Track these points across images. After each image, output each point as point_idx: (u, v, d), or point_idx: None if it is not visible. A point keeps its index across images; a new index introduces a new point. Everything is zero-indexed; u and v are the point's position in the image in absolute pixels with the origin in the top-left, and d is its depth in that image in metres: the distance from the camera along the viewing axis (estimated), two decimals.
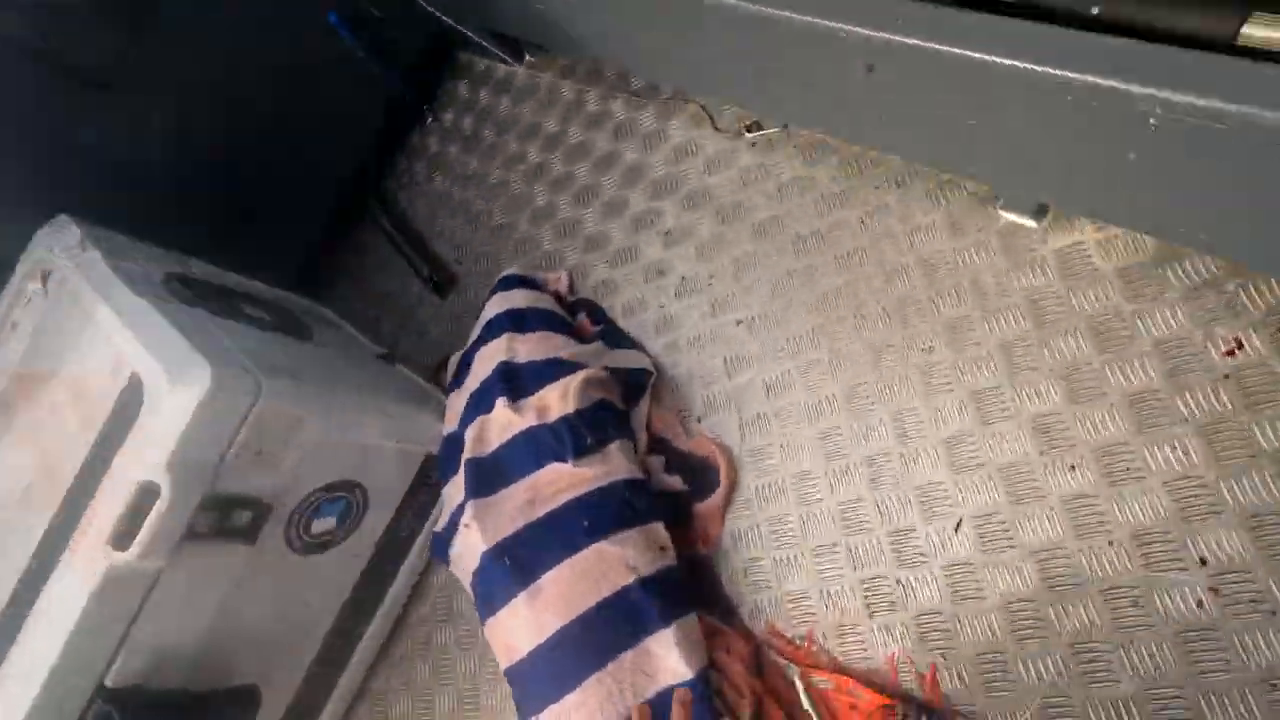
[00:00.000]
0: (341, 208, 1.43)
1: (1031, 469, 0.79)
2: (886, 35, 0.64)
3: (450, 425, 1.00)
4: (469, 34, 1.29)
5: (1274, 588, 0.67)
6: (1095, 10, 0.57)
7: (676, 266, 1.09)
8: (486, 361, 0.96)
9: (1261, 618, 0.67)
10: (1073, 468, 0.78)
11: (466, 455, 0.90)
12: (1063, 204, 0.81)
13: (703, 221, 1.09)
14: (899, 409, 0.88)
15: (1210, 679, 0.67)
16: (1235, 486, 0.71)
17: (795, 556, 0.88)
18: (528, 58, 1.36)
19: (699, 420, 1.00)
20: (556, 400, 0.87)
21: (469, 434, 0.91)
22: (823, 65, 0.75)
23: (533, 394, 0.90)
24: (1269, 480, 0.69)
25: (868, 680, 0.80)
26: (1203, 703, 0.67)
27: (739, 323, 1.01)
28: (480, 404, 0.93)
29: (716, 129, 1.12)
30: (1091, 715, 0.71)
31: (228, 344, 0.83)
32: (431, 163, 1.42)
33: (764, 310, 1.00)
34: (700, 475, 0.94)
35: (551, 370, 0.91)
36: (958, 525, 0.81)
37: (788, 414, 0.94)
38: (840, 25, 0.66)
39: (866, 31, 0.65)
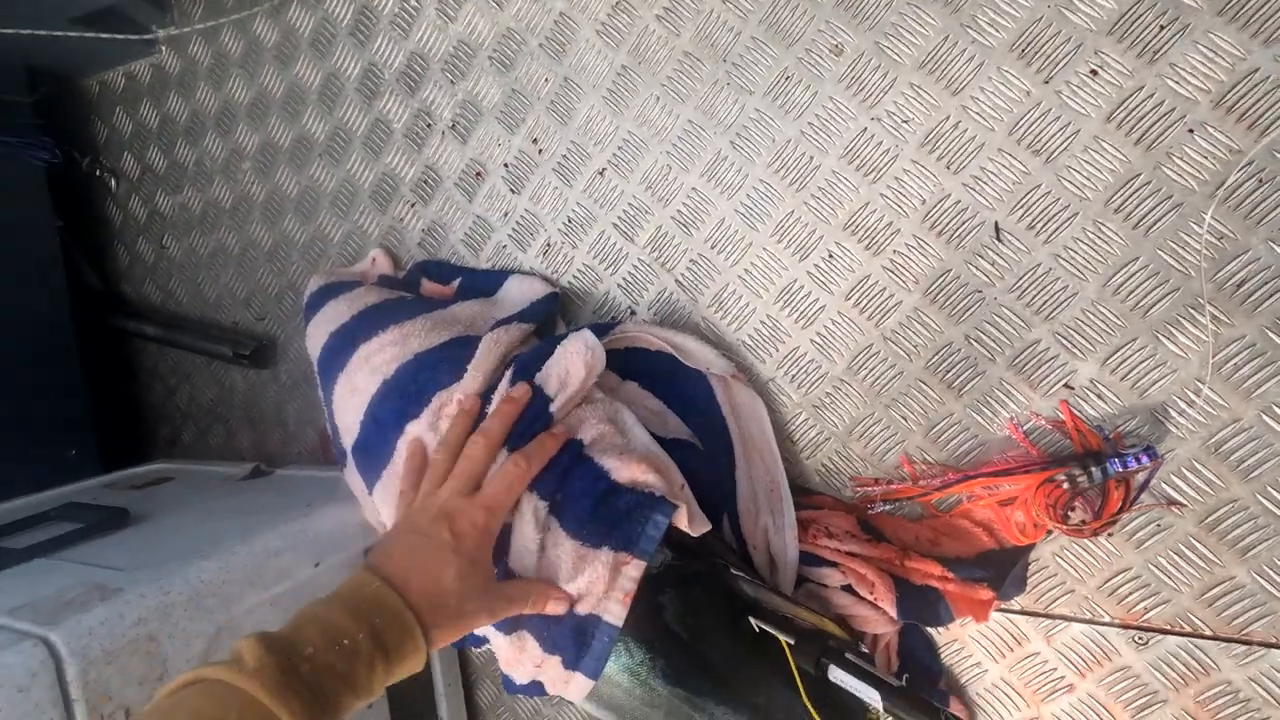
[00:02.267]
0: (94, 352, 1.09)
1: (1044, 107, 0.58)
2: None
3: (367, 509, 0.74)
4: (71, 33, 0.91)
5: None
6: None
7: (492, 156, 0.80)
8: (351, 407, 0.68)
9: None
10: (1094, 71, 0.56)
11: None
12: None
13: (483, 84, 0.79)
14: (845, 146, 0.64)
15: None
16: None
17: (836, 387, 0.68)
18: (159, 33, 0.99)
19: (632, 313, 0.76)
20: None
21: (383, 500, 0.65)
22: None
23: (430, 400, 0.62)
24: None
25: (1000, 469, 0.62)
26: None
27: (601, 172, 0.75)
28: (378, 455, 0.65)
29: None
30: (1279, 336, 0.53)
31: None
32: (147, 228, 1.07)
33: (620, 138, 0.73)
34: (675, 377, 0.70)
35: (443, 363, 0.64)
36: (996, 232, 0.60)
37: (724, 237, 0.70)
38: None
39: None
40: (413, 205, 0.86)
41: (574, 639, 0.55)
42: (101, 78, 1.07)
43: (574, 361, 0.59)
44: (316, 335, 0.75)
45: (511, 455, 0.55)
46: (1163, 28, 0.53)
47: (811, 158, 0.66)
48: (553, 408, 0.58)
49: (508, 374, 0.60)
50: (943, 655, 0.66)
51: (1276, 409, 0.54)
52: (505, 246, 0.81)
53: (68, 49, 0.98)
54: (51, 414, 1.05)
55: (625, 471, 0.55)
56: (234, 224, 1.00)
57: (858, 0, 0.62)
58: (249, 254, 1.00)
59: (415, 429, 0.60)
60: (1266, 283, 0.53)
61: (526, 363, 0.60)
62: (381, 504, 0.65)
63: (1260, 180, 0.52)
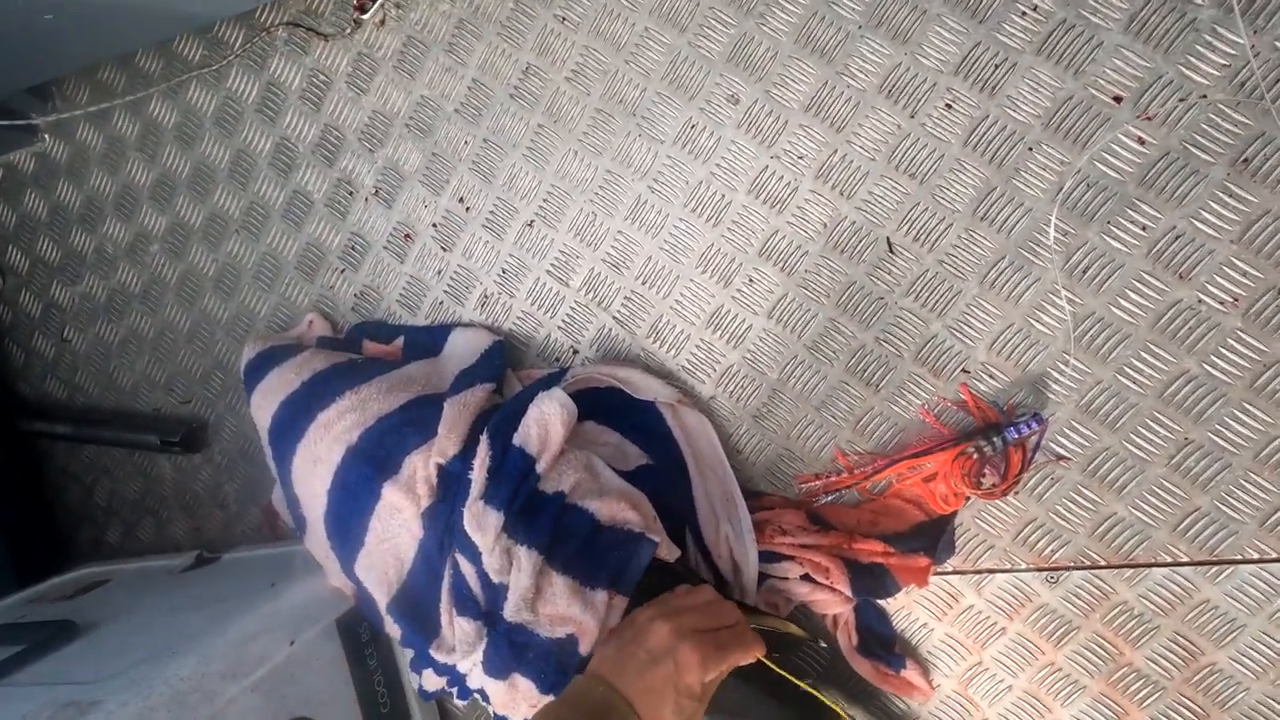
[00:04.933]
0: None
1: (914, 137, 0.67)
2: None
3: (335, 576, 0.75)
4: None
5: (1187, 74, 0.60)
6: None
7: (420, 217, 0.83)
8: (316, 476, 0.68)
9: (1196, 109, 0.60)
10: (948, 105, 0.66)
11: (388, 601, 0.66)
12: None
13: (403, 149, 0.83)
14: (751, 183, 0.72)
15: (1192, 205, 0.62)
16: (1099, 6, 0.62)
17: (770, 396, 0.75)
18: (40, 121, 0.95)
19: (574, 352, 0.80)
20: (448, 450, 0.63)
21: (366, 570, 0.66)
22: None
23: (402, 463, 0.65)
24: None
25: (919, 450, 0.70)
26: (1198, 226, 0.62)
27: (530, 224, 0.80)
28: (354, 521, 0.66)
29: (327, 38, 0.83)
30: (1120, 309, 0.64)
31: None
32: (43, 322, 1.02)
33: (543, 191, 0.78)
34: (626, 409, 0.75)
35: (408, 425, 0.66)
36: (889, 246, 0.70)
37: (653, 273, 0.76)
38: None
39: None
40: (342, 272, 0.87)
41: (570, 676, 0.59)
42: None
43: (553, 422, 0.63)
44: (264, 405, 0.75)
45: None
46: (997, 66, 0.64)
47: (723, 195, 0.73)
48: (539, 467, 0.62)
49: (484, 438, 0.63)
50: (895, 622, 0.74)
51: (1128, 369, 0.65)
52: (442, 302, 0.84)
53: None
54: None
55: (607, 510, 0.60)
56: (146, 308, 0.97)
57: (745, 55, 0.70)
58: (166, 337, 0.97)
59: (391, 493, 0.62)
60: (1104, 267, 0.64)
61: (499, 426, 0.64)
62: (365, 573, 0.66)
63: (1088, 185, 0.64)
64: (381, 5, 0.80)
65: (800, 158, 0.70)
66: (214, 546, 0.95)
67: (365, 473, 0.64)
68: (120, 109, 0.92)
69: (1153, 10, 0.60)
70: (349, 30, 0.82)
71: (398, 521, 0.64)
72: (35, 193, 0.99)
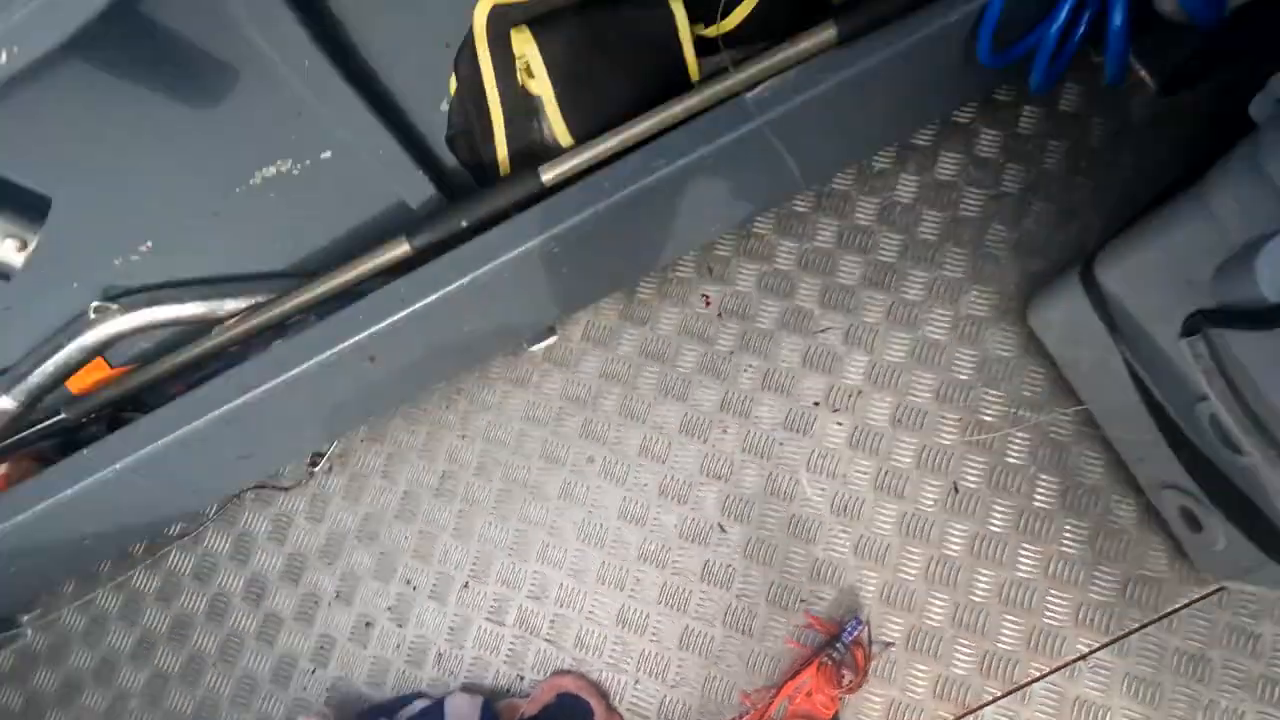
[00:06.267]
0: None
1: (709, 455, 1.02)
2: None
3: None
4: None
5: (844, 381, 1.01)
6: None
7: (377, 605, 1.05)
8: None
9: (860, 398, 1.00)
10: (724, 430, 1.03)
11: None
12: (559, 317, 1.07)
13: (356, 555, 1.07)
14: (618, 510, 1.02)
15: (884, 451, 0.98)
16: (778, 350, 1.04)
17: (680, 665, 0.96)
18: (25, 618, 1.11)
19: (521, 679, 0.99)
20: None
21: None
22: (342, 381, 0.85)
23: None
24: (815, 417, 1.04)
25: (793, 671, 0.93)
26: (894, 464, 0.97)
27: (465, 585, 1.03)
28: None
29: (287, 489, 1.11)
30: (878, 529, 0.96)
31: None
32: None
33: (471, 557, 1.04)
34: (570, 713, 0.94)
35: None
36: (721, 529, 1.00)
37: (566, 597, 1.01)
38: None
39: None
40: (313, 672, 1.04)
41: None
42: None
43: None
44: None
45: None
46: (742, 400, 1.03)
47: (600, 524, 1.02)
48: None
49: None
50: None
51: (904, 566, 0.94)
52: (404, 671, 1.02)
53: None
54: None
55: None
56: None
57: (591, 430, 1.06)
58: None
59: None
60: (853, 500, 0.97)
61: None
62: None
63: (822, 455, 0.99)
64: (328, 458, 1.11)
65: (644, 485, 1.03)
66: None
67: None
68: (104, 590, 1.11)
69: (811, 362, 1.03)
70: (304, 481, 1.11)
71: None
72: (12, 687, 1.10)
